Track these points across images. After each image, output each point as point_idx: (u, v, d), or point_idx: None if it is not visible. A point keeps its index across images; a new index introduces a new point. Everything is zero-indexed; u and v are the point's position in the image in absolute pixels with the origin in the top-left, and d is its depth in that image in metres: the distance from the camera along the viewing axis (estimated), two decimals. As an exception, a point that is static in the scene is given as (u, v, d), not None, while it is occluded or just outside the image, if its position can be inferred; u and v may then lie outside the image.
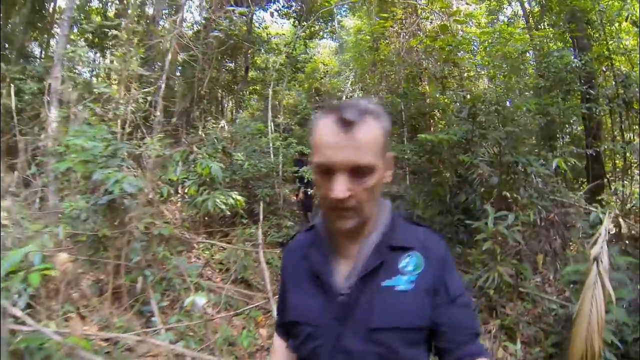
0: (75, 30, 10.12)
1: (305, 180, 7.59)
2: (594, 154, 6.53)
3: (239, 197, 5.32)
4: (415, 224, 1.21)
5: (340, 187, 0.98)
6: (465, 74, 9.59)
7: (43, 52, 12.85)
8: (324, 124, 1.02)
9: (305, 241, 1.23)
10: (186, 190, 5.21)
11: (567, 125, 7.75)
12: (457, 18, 7.99)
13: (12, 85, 6.95)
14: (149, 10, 9.21)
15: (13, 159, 6.37)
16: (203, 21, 6.82)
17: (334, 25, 14.80)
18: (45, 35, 12.58)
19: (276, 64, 10.05)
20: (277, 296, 2.60)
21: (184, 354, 3.17)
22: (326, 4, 10.81)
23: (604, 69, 7.33)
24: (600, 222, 2.79)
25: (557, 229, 3.66)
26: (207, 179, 5.13)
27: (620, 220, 2.82)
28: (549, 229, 3.68)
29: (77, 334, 2.63)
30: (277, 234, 6.38)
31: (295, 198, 8.85)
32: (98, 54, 10.08)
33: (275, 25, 14.36)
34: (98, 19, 10.30)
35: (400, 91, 8.22)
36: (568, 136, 8.29)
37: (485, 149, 5.65)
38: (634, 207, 3.53)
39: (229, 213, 5.35)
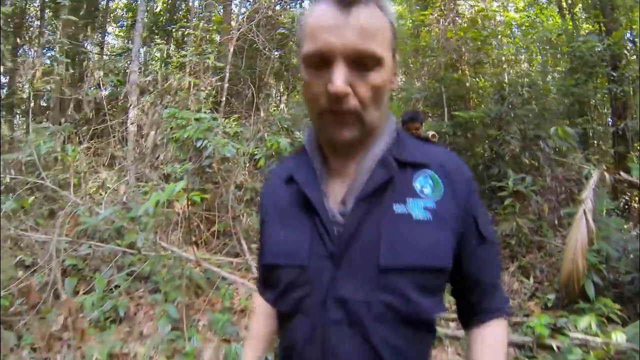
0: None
1: None
2: (620, 132, 7.30)
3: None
4: (425, 140, 1.01)
5: (341, 78, 0.76)
6: (503, 58, 10.44)
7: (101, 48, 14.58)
8: (318, 9, 0.82)
9: (291, 165, 0.97)
10: (256, 163, 6.33)
11: (594, 105, 8.46)
12: (485, 13, 8.76)
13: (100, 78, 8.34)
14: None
15: (103, 140, 7.70)
16: (264, 15, 7.88)
17: None
18: (99, 33, 14.25)
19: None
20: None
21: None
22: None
23: (626, 52, 7.96)
24: (591, 176, 3.72)
25: (561, 183, 4.60)
26: (274, 153, 6.23)
27: (605, 174, 3.72)
28: (555, 185, 4.60)
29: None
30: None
31: None
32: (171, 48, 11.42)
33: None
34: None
35: (440, 77, 9.12)
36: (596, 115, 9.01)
37: (516, 127, 6.57)
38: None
39: None
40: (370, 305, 0.80)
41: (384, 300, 0.80)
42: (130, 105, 7.79)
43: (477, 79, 9.51)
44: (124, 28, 16.75)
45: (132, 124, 7.18)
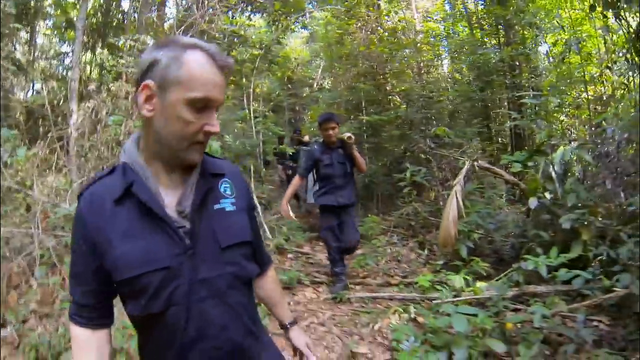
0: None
1: (289, 159, 9.33)
2: (516, 131, 8.76)
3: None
4: (215, 157, 1.34)
5: (216, 122, 1.11)
6: (422, 64, 11.75)
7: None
8: (199, 59, 1.06)
9: (112, 185, 1.14)
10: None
11: (495, 108, 9.94)
12: (403, 25, 9.99)
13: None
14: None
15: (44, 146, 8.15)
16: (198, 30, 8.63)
17: (304, 17, 16.31)
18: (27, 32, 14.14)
19: (253, 57, 11.96)
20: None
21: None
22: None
23: (517, 63, 9.44)
24: (464, 165, 4.94)
25: (445, 172, 5.83)
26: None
27: (475, 164, 4.95)
28: (441, 174, 5.82)
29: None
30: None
31: (283, 176, 10.05)
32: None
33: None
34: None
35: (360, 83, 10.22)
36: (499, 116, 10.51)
37: (421, 127, 7.83)
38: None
39: None
40: (222, 277, 1.15)
41: (229, 271, 1.16)
42: (72, 111, 8.31)
43: (393, 85, 10.73)
44: (51, 27, 16.64)
45: (77, 129, 7.71)
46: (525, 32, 9.48)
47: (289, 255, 5.97)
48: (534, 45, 9.56)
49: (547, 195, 4.25)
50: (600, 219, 4.17)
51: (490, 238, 5.09)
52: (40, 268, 4.34)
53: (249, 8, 11.95)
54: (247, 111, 10.54)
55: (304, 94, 17.50)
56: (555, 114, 7.96)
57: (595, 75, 7.56)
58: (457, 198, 4.54)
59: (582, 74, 7.07)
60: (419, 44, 11.84)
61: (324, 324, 4.05)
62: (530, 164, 4.53)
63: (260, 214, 6.74)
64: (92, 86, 8.40)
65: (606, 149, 4.28)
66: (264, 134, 10.29)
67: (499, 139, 10.16)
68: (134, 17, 13.13)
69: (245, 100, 11.40)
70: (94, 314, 1.19)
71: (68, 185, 6.04)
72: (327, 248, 5.00)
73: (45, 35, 16.67)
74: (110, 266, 1.10)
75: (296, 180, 5.07)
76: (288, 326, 1.58)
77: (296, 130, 10.05)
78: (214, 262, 1.15)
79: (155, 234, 1.10)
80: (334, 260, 4.93)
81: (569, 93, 8.08)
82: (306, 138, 9.11)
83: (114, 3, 16.21)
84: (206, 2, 8.53)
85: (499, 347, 3.04)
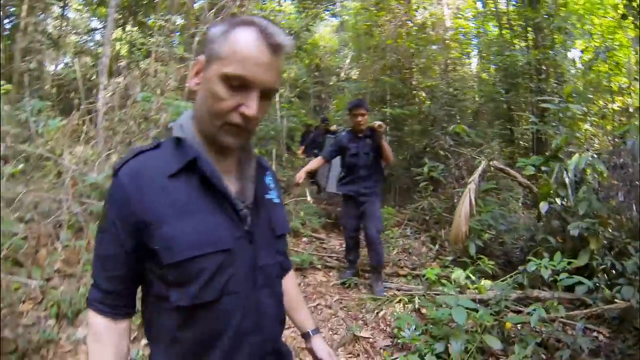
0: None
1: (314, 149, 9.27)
2: (538, 135, 8.75)
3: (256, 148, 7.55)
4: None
5: (255, 106, 0.99)
6: (449, 61, 11.78)
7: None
8: (247, 35, 0.99)
9: (164, 160, 1.05)
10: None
11: (519, 110, 9.92)
12: (434, 20, 10.01)
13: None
14: None
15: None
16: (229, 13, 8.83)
17: (334, 6, 16.34)
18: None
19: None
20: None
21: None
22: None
23: (544, 68, 9.39)
24: (480, 165, 5.05)
25: (462, 170, 5.94)
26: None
27: (489, 163, 5.06)
28: (456, 172, 5.92)
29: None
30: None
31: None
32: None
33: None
34: None
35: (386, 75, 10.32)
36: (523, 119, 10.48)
37: (444, 124, 7.92)
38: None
39: None
40: (274, 266, 1.15)
41: (279, 260, 1.18)
42: (101, 85, 8.62)
43: (418, 80, 10.80)
44: (83, 2, 17.02)
45: (107, 104, 8.00)
46: (555, 37, 9.40)
47: (304, 239, 6.15)
48: (562, 51, 9.46)
49: (558, 201, 4.34)
50: (610, 230, 4.26)
51: (501, 239, 5.20)
52: (66, 232, 4.61)
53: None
54: (276, 97, 10.91)
55: (331, 83, 17.62)
56: (579, 122, 7.94)
57: (623, 86, 7.52)
58: (470, 196, 4.67)
59: (610, 83, 7.05)
60: (447, 41, 11.91)
61: (331, 307, 4.25)
62: (545, 168, 4.61)
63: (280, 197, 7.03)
64: (122, 63, 8.68)
65: (622, 160, 4.33)
66: (290, 120, 10.60)
67: (521, 142, 10.15)
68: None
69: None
70: (118, 301, 1.09)
71: (95, 156, 6.31)
72: (344, 235, 5.08)
73: (76, 10, 17.06)
74: (160, 246, 0.99)
75: (318, 159, 5.05)
76: (310, 334, 1.47)
77: (324, 120, 9.88)
78: (269, 249, 1.14)
79: (215, 214, 1.04)
80: (347, 247, 5.03)
81: (595, 102, 8.02)
82: (334, 127, 8.98)
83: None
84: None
85: (496, 344, 3.18)
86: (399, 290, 4.49)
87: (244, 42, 0.99)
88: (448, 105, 7.92)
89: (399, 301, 4.16)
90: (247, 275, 1.06)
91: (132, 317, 1.13)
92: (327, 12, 16.14)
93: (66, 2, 15.18)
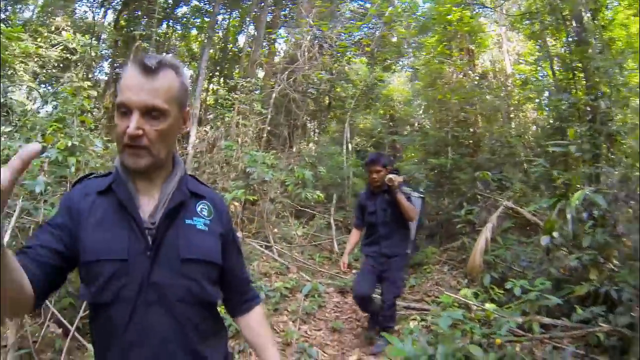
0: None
1: None
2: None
3: (319, 194, 8.73)
4: (200, 182, 1.49)
5: (134, 124, 1.16)
6: (512, 108, 12.37)
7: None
8: (129, 70, 1.22)
9: (101, 182, 1.34)
10: (287, 187, 8.68)
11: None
12: (493, 68, 10.78)
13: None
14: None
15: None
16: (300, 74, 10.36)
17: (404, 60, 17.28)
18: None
19: (355, 95, 13.52)
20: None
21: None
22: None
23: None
24: (496, 207, 5.82)
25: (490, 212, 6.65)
26: (300, 181, 8.55)
27: (508, 204, 5.83)
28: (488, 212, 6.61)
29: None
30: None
31: None
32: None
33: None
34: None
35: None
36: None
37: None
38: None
39: (312, 203, 9.01)
40: (175, 287, 1.23)
41: (184, 284, 1.25)
42: (192, 133, 10.41)
43: (483, 128, 11.52)
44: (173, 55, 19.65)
45: (195, 149, 9.70)
46: (597, 79, 9.54)
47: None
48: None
49: (556, 234, 4.97)
50: (614, 261, 4.82)
51: (520, 272, 5.83)
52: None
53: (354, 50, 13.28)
54: (342, 146, 12.25)
55: (405, 132, 18.50)
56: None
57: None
58: (486, 234, 5.46)
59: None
60: (509, 87, 12.54)
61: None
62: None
63: (334, 232, 8.16)
64: (210, 115, 10.46)
65: (623, 194, 4.90)
66: (354, 170, 11.84)
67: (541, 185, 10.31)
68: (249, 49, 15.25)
69: (343, 134, 13.06)
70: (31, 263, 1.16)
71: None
72: (354, 299, 4.84)
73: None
74: (80, 247, 1.23)
75: (353, 233, 5.08)
76: None
77: (392, 170, 10.69)
78: (170, 270, 1.24)
79: (122, 229, 1.24)
80: (363, 309, 4.90)
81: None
82: (400, 179, 9.36)
83: (231, 38, 18.66)
84: (307, 52, 10.19)
85: (477, 352, 3.93)
86: (415, 309, 5.32)
87: (126, 76, 1.23)
88: (493, 153, 8.69)
89: (414, 319, 5.01)
90: (140, 288, 1.21)
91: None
92: (398, 65, 17.24)
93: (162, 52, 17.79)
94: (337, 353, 4.64)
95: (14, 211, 3.24)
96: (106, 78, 15.57)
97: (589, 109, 9.08)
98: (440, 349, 3.93)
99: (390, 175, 4.49)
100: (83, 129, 4.72)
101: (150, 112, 1.20)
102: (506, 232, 6.28)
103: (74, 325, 3.36)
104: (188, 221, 1.33)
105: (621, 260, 4.80)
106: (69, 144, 3.97)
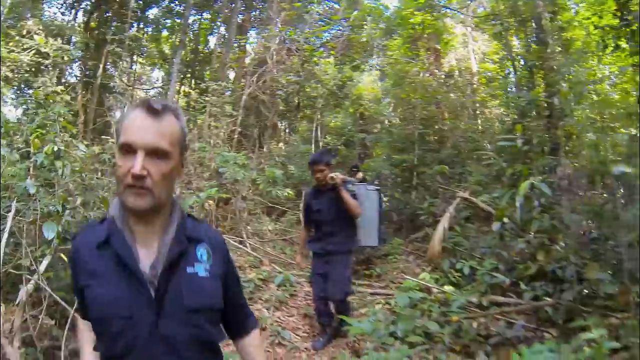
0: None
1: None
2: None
3: (290, 191, 9.09)
4: (198, 221, 1.49)
5: (139, 165, 1.18)
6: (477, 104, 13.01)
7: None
8: (134, 112, 1.25)
9: (98, 233, 1.32)
10: (258, 185, 9.04)
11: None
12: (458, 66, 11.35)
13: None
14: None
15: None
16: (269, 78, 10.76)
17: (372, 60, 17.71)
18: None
19: (324, 94, 13.94)
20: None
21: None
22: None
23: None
24: (454, 198, 6.32)
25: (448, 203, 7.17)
26: (271, 180, 8.92)
27: (463, 195, 6.32)
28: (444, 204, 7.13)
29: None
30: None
31: None
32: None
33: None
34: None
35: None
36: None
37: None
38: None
39: (283, 200, 9.43)
40: (182, 335, 1.26)
41: (190, 332, 1.28)
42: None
43: (449, 125, 12.07)
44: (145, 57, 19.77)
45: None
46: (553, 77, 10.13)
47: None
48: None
49: (506, 220, 5.46)
50: (561, 243, 5.32)
51: (479, 258, 6.31)
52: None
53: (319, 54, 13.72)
54: (312, 145, 12.69)
55: (375, 130, 18.91)
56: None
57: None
58: (444, 224, 5.94)
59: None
60: (474, 85, 13.15)
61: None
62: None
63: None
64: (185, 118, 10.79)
65: (567, 182, 5.43)
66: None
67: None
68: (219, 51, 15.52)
69: (313, 133, 13.47)
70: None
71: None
72: (313, 297, 4.96)
73: (140, 64, 20.00)
74: (86, 303, 1.29)
75: (302, 231, 5.19)
76: None
77: (353, 167, 11.07)
78: (177, 322, 1.26)
79: (123, 283, 1.24)
80: (317, 310, 4.89)
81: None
82: (359, 175, 9.65)
83: (202, 39, 18.90)
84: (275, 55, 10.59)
85: (434, 326, 4.36)
86: (380, 295, 5.77)
87: (130, 117, 1.25)
88: (457, 148, 9.25)
89: (379, 303, 5.44)
90: (147, 341, 1.23)
91: None
92: (366, 65, 17.67)
93: (133, 57, 17.93)
94: (308, 335, 5.09)
95: (9, 212, 3.52)
96: (76, 81, 15.62)
97: (546, 105, 9.71)
98: (400, 326, 4.36)
99: (332, 174, 4.53)
100: (67, 134, 4.99)
101: (154, 153, 1.22)
102: (467, 221, 6.77)
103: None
104: (189, 269, 1.33)
105: (565, 242, 5.31)
106: (55, 148, 4.22)
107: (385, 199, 10.28)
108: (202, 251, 1.37)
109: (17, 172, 4.21)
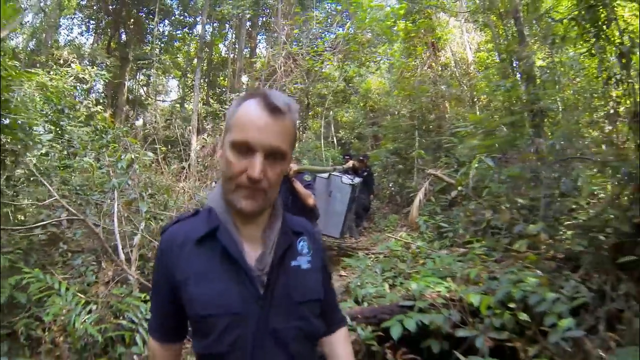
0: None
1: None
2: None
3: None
4: (295, 216, 1.52)
5: (259, 167, 1.17)
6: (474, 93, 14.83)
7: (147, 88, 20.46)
8: (249, 105, 1.22)
9: (196, 226, 1.35)
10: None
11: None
12: (455, 57, 13.29)
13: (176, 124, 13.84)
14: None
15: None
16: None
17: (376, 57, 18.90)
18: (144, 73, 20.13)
19: (332, 92, 15.93)
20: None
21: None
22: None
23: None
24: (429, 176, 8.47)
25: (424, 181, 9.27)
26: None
27: (433, 172, 8.44)
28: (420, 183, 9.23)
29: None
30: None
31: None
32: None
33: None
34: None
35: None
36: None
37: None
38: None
39: None
40: (290, 330, 1.30)
41: (297, 325, 1.32)
42: (193, 140, 12.97)
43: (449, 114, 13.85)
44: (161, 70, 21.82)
45: (197, 156, 12.33)
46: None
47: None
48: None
49: (462, 189, 7.51)
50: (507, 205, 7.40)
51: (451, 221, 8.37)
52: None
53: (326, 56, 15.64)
54: (322, 141, 14.72)
55: (385, 123, 20.55)
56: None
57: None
58: (420, 196, 8.09)
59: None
60: (471, 74, 14.94)
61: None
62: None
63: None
64: (207, 125, 13.15)
65: (507, 155, 7.48)
66: (334, 158, 14.42)
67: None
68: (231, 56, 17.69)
69: (324, 129, 15.49)
70: (170, 331, 1.45)
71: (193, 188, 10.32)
72: None
73: (157, 75, 22.11)
74: (186, 301, 1.30)
75: None
76: None
77: (345, 155, 12.78)
78: (285, 315, 1.31)
79: (231, 280, 1.28)
80: None
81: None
82: (349, 164, 10.70)
83: (215, 47, 21.30)
84: (282, 66, 12.79)
85: (403, 265, 6.49)
86: (373, 253, 7.93)
87: (246, 111, 1.23)
88: (438, 135, 11.41)
89: (370, 257, 7.62)
90: (256, 336, 1.27)
91: (182, 340, 1.51)
92: (371, 62, 19.09)
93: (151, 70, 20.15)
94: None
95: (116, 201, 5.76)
96: (104, 97, 18.19)
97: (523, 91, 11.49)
98: (379, 266, 6.53)
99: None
100: (137, 145, 7.30)
101: (272, 155, 1.23)
102: (440, 193, 8.91)
103: None
104: (294, 263, 1.38)
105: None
106: (132, 157, 6.38)
107: (390, 184, 12.57)
108: (303, 244, 1.43)
109: (101, 175, 6.34)
